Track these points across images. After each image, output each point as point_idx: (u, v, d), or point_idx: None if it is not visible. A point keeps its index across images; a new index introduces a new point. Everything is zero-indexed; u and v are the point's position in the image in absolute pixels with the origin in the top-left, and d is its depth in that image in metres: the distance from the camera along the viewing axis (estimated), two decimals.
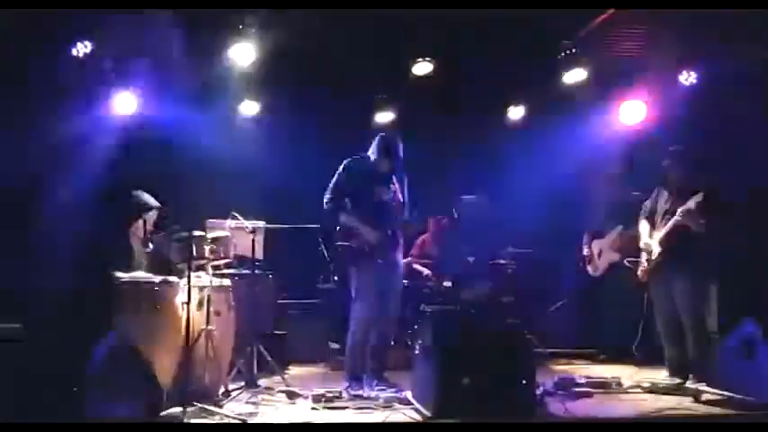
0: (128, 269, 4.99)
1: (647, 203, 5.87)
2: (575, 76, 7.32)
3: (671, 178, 5.67)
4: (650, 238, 5.69)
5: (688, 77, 7.31)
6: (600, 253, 7.18)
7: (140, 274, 4.94)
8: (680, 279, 5.44)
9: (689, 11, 5.89)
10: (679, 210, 5.40)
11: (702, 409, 4.82)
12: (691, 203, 5.34)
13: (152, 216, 5.30)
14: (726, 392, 4.86)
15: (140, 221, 5.22)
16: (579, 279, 7.41)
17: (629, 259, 5.90)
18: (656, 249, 5.56)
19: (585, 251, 7.34)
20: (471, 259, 6.90)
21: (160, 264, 5.13)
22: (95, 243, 5.29)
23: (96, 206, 6.04)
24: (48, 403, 4.21)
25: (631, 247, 6.16)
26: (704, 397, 4.99)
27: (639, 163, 7.13)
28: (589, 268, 7.29)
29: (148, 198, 5.32)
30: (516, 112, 8.31)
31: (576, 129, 7.79)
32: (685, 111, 7.15)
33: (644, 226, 5.82)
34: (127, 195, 5.31)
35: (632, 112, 7.72)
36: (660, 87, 7.47)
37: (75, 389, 4.34)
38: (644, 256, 5.71)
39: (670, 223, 5.47)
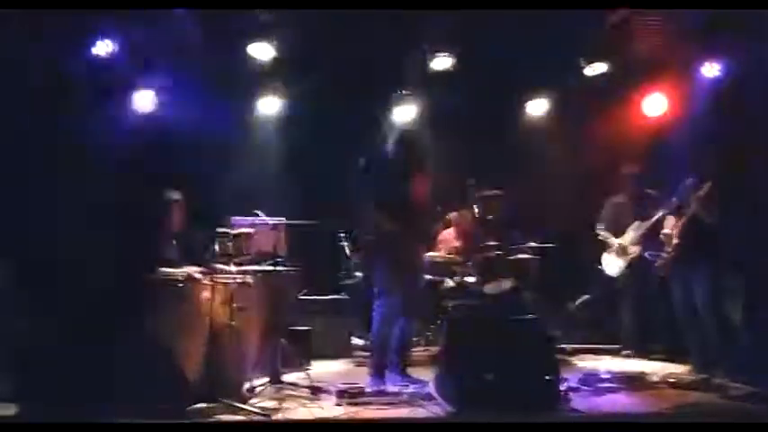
0: (161, 266, 5.02)
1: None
2: (598, 68, 7.27)
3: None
4: (670, 230, 5.66)
5: (711, 69, 7.23)
6: (622, 249, 7.11)
7: (166, 270, 4.98)
8: (699, 273, 5.39)
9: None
10: (693, 197, 5.42)
11: (727, 405, 4.78)
12: (701, 192, 5.35)
13: (181, 210, 5.34)
14: (751, 387, 4.84)
15: (171, 217, 5.28)
16: (602, 274, 7.35)
17: (650, 252, 5.85)
18: (674, 241, 5.55)
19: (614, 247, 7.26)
20: (494, 254, 6.85)
21: (189, 260, 5.17)
22: (129, 242, 5.33)
23: (127, 205, 6.11)
24: (76, 399, 4.28)
25: (651, 241, 6.12)
26: (729, 392, 4.97)
27: (660, 159, 7.07)
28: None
29: (173, 194, 5.37)
30: (538, 106, 8.27)
31: (599, 121, 7.74)
32: (708, 103, 7.08)
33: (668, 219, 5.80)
34: (157, 193, 5.36)
35: (655, 105, 7.66)
36: (683, 80, 7.39)
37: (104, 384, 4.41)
38: (666, 249, 5.68)
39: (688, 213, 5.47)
